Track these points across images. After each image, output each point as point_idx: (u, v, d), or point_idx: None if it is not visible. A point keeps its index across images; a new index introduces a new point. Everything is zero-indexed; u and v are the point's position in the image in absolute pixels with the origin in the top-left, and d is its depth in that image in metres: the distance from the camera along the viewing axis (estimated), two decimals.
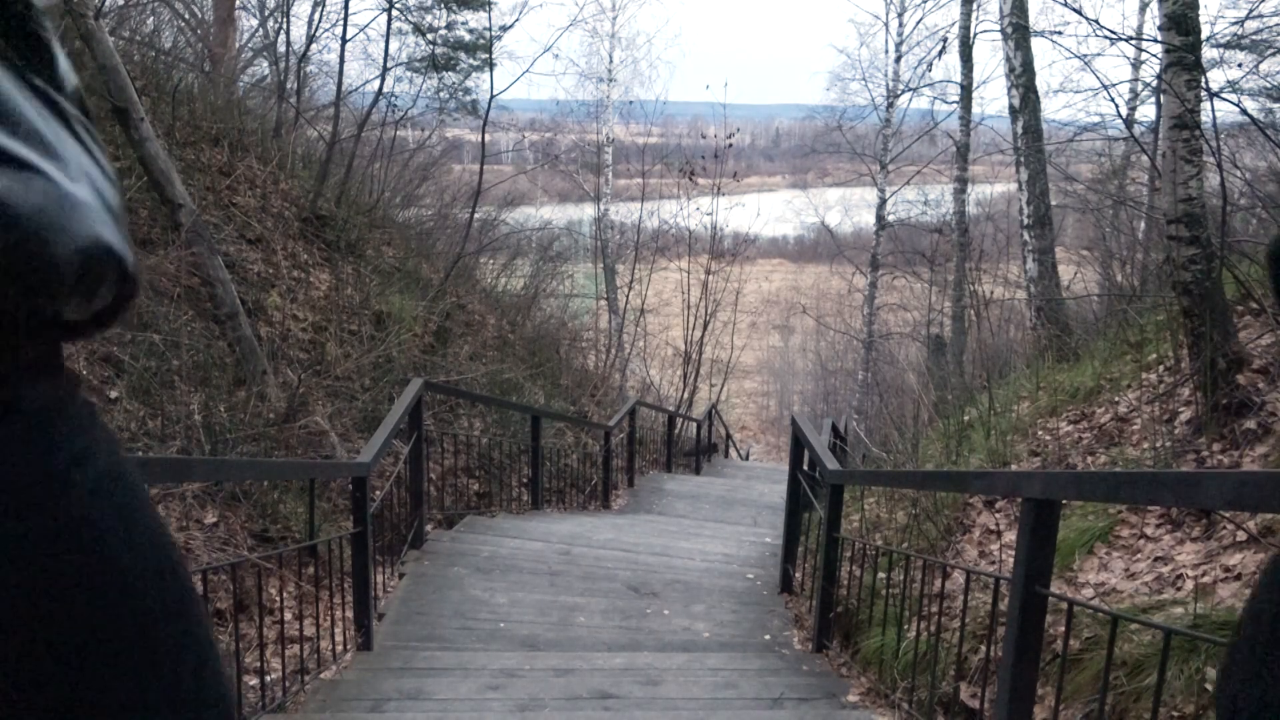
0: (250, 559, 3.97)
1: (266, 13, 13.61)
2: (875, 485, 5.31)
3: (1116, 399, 4.66)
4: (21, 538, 0.61)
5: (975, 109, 14.12)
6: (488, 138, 10.14)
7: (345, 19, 9.15)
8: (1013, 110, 8.29)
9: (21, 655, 0.59)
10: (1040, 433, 4.88)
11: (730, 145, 16.12)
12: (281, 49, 10.84)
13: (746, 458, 18.43)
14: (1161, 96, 4.20)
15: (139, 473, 0.72)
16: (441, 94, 14.28)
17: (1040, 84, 8.49)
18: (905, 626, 3.67)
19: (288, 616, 4.11)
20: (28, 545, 0.61)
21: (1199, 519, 3.30)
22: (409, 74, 13.75)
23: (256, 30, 13.98)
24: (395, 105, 11.55)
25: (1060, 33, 11.49)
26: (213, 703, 0.69)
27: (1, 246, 0.53)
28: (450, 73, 14.44)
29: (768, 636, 4.64)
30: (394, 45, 13.29)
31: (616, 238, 19.40)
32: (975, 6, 13.42)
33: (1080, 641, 2.89)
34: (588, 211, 21.80)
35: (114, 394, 4.32)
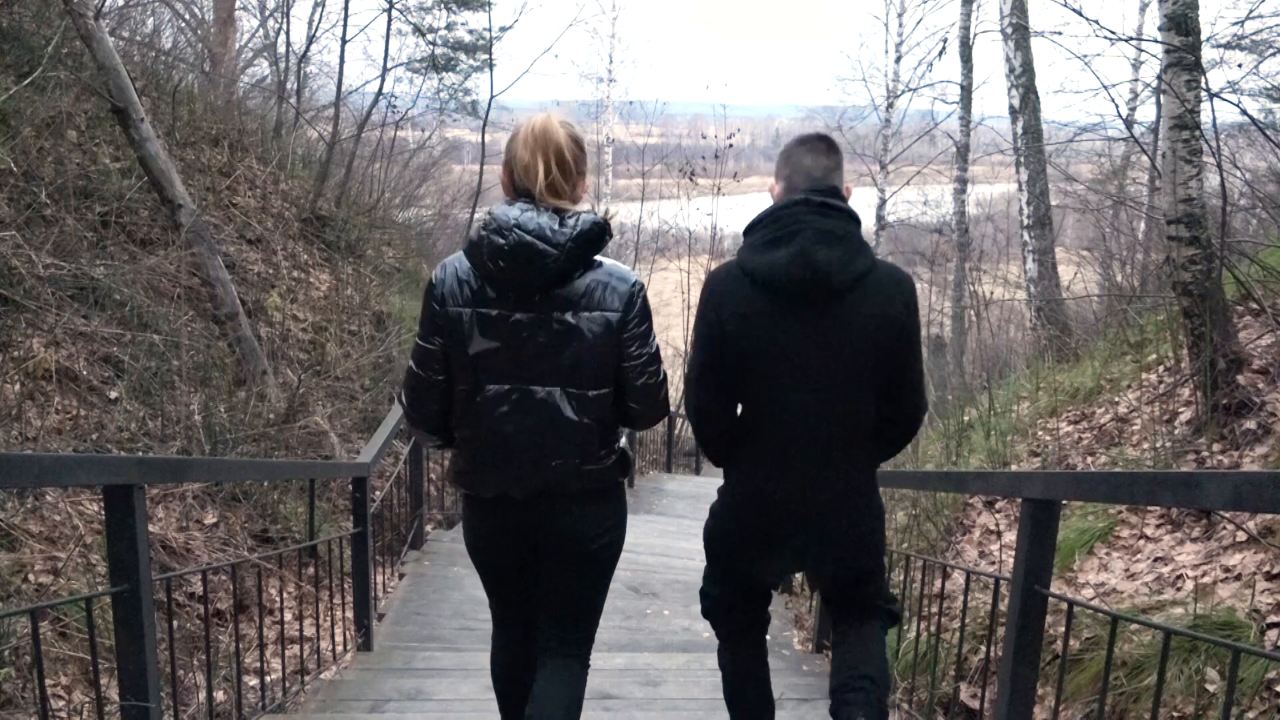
0: (250, 559, 3.97)
1: (266, 13, 13.62)
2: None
3: (1116, 399, 4.65)
4: (615, 520, 2.23)
5: (975, 109, 14.13)
6: (488, 138, 10.14)
7: (345, 19, 9.18)
8: (1013, 110, 8.29)
9: (600, 564, 2.23)
10: (1040, 433, 4.88)
11: (730, 145, 16.12)
12: (281, 49, 10.85)
13: None
14: (1161, 97, 4.20)
15: None
16: (441, 94, 14.28)
17: (1040, 84, 8.49)
18: (905, 627, 3.67)
19: (288, 617, 4.11)
20: (616, 521, 2.23)
21: (1199, 519, 3.29)
22: (409, 74, 13.76)
23: (256, 30, 13.99)
24: (395, 106, 11.54)
25: (1060, 33, 11.47)
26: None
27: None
28: (450, 73, 14.45)
29: (767, 637, 4.64)
30: (394, 46, 13.26)
31: (616, 238, 19.38)
32: (975, 7, 13.43)
33: (1080, 642, 2.89)
34: None
35: (114, 394, 4.31)
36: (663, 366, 2.17)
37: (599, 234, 2.01)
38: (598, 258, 2.06)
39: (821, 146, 2.21)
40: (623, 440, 2.22)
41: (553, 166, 1.99)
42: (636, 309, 2.06)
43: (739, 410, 2.25)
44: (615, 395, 2.10)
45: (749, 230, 2.19)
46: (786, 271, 2.05)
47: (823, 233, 2.06)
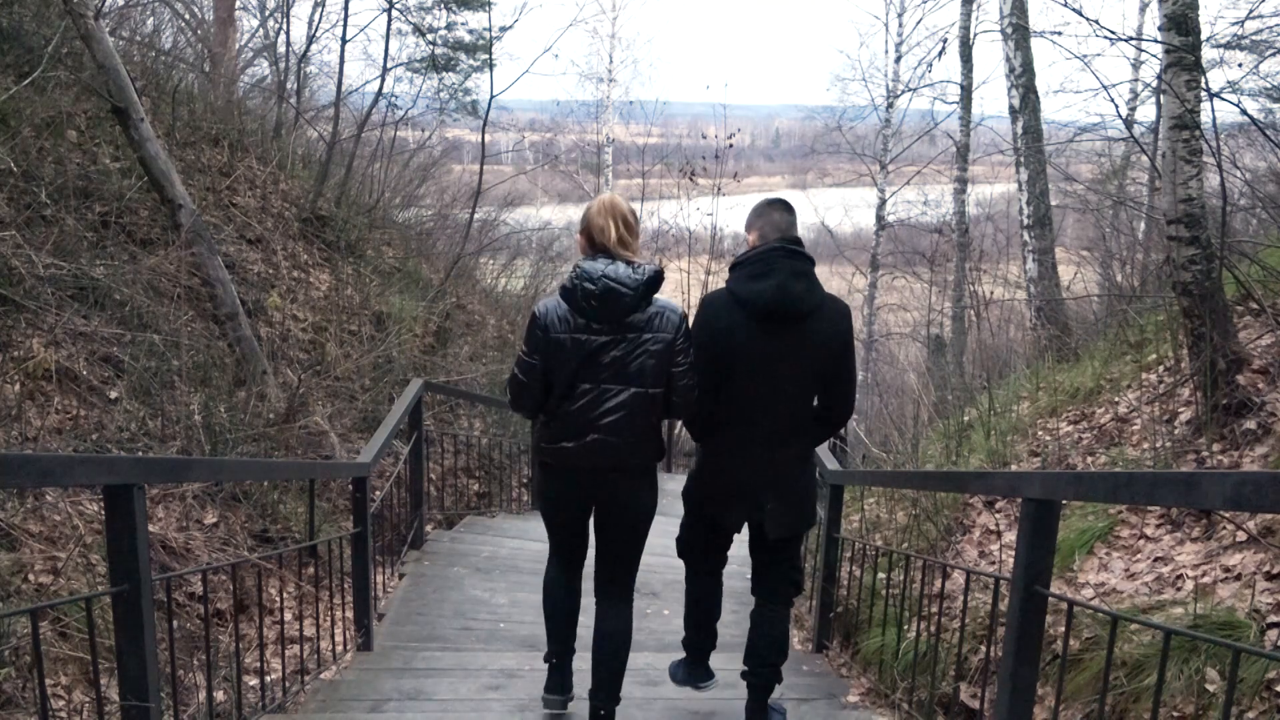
0: (250, 559, 3.97)
1: (266, 13, 13.62)
2: (875, 485, 5.31)
3: (1116, 399, 4.65)
4: (653, 490, 3.00)
5: (975, 109, 14.13)
6: (488, 138, 10.13)
7: (345, 19, 9.17)
8: (1013, 110, 8.29)
9: (642, 525, 3.02)
10: (1040, 433, 4.88)
11: (730, 146, 16.11)
12: (281, 49, 10.85)
13: None
14: (1161, 97, 4.20)
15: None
16: (441, 94, 14.28)
17: (1040, 84, 8.48)
18: (905, 627, 3.67)
19: (288, 617, 4.11)
20: (653, 492, 3.00)
21: (1199, 519, 3.29)
22: (409, 74, 13.75)
23: (256, 30, 14.00)
24: (395, 105, 11.54)
25: (1060, 33, 11.48)
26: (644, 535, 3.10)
27: None
28: (450, 73, 14.44)
29: None
30: (394, 46, 13.29)
31: None
32: (975, 7, 13.43)
33: (1080, 642, 2.89)
34: None
35: (114, 394, 4.31)
36: (695, 372, 2.92)
37: (659, 279, 2.81)
38: (655, 295, 2.85)
39: (784, 206, 3.00)
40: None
41: (620, 226, 2.81)
42: (682, 332, 2.85)
43: (719, 399, 2.95)
44: (665, 392, 2.86)
45: (736, 266, 2.93)
46: (768, 299, 2.80)
47: (794, 272, 2.83)
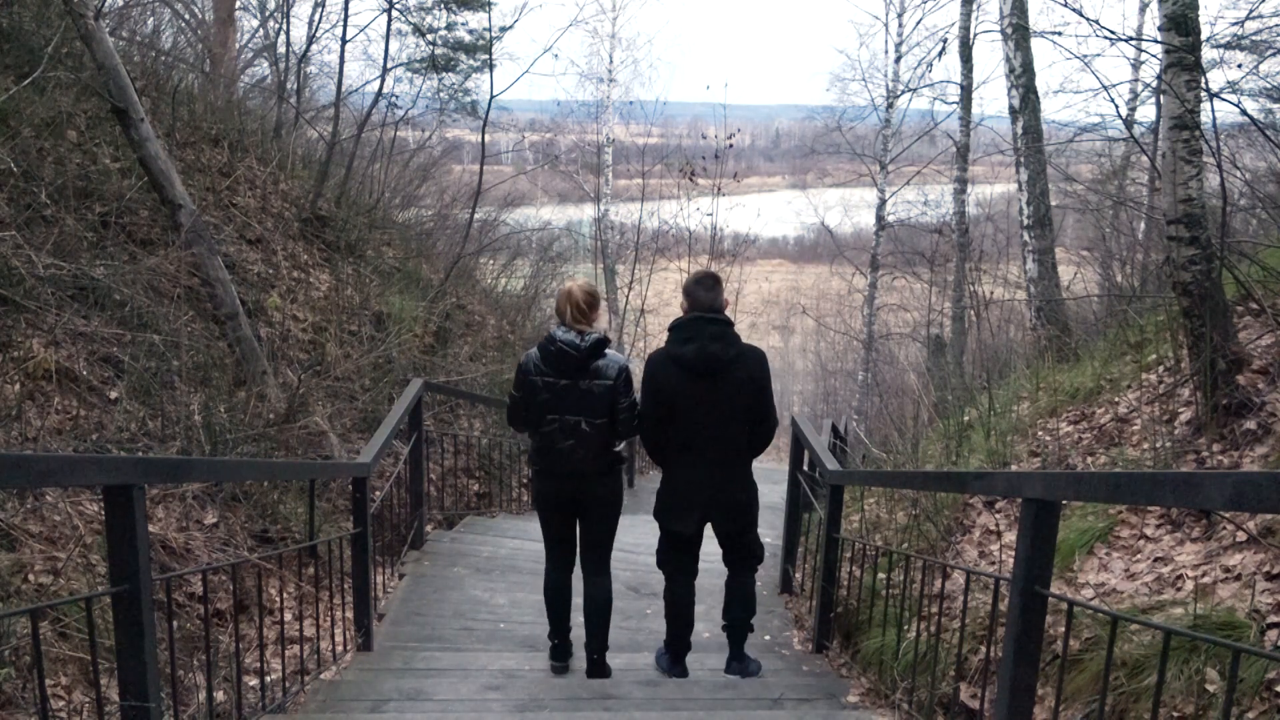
0: (250, 559, 3.97)
1: (266, 13, 13.63)
2: (875, 486, 5.31)
3: (1116, 399, 4.65)
4: (615, 487, 3.91)
5: (975, 109, 14.12)
6: (488, 138, 10.13)
7: (345, 20, 9.17)
8: (1013, 111, 8.29)
9: (609, 515, 3.92)
10: (1040, 433, 4.88)
11: (730, 146, 16.09)
12: (281, 49, 10.85)
13: None
14: (1161, 97, 4.19)
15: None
16: (441, 95, 14.28)
17: (1040, 84, 8.47)
18: (905, 627, 3.66)
19: (288, 617, 4.11)
20: (617, 490, 3.92)
21: (1199, 519, 3.29)
22: (409, 75, 13.75)
23: (257, 31, 14.00)
24: (395, 106, 11.54)
25: (1060, 33, 11.50)
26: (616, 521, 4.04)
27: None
28: (450, 73, 14.44)
29: (767, 637, 4.64)
30: (394, 46, 13.28)
31: (616, 238, 19.39)
32: (975, 7, 13.41)
33: (1080, 642, 2.89)
34: (588, 212, 21.78)
35: (114, 394, 4.31)
36: (636, 407, 3.85)
37: (603, 343, 3.74)
38: (607, 351, 3.75)
39: (709, 283, 3.77)
40: (619, 446, 3.95)
41: (573, 309, 3.75)
42: (622, 379, 3.77)
43: (668, 434, 3.79)
44: (610, 421, 3.78)
45: (671, 329, 3.78)
46: (692, 357, 3.66)
47: (712, 335, 3.67)
